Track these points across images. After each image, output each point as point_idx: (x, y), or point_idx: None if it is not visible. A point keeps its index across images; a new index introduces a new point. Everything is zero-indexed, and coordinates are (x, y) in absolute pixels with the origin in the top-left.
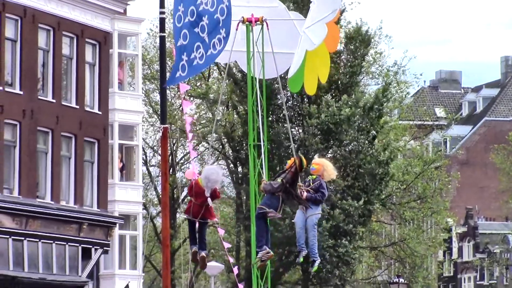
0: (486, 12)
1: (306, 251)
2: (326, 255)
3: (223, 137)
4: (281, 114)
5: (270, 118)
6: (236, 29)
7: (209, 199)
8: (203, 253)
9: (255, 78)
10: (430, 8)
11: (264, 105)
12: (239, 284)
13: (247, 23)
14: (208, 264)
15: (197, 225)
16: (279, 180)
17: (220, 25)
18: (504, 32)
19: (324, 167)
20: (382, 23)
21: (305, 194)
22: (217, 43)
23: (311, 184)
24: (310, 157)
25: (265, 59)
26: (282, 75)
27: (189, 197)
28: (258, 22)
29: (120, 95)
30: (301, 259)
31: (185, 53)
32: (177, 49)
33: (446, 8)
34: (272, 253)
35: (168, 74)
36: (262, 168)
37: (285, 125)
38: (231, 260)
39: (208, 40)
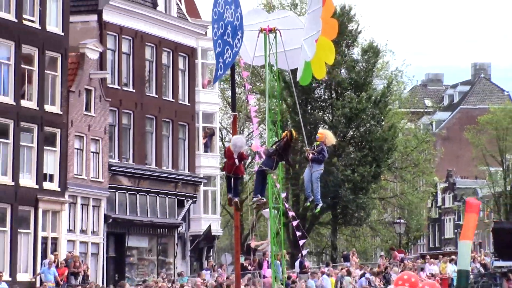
0: (460, 28)
1: (312, 197)
2: (348, 205)
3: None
4: (317, 104)
5: (309, 107)
6: (258, 37)
7: (236, 160)
8: (236, 199)
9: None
10: (422, 27)
11: (278, 92)
12: (293, 222)
13: (264, 32)
14: (266, 210)
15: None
16: (274, 147)
17: (237, 28)
18: (473, 43)
19: (326, 135)
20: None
21: (310, 155)
22: (237, 42)
23: (315, 148)
24: (336, 136)
25: (282, 57)
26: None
27: (225, 159)
28: (272, 31)
29: (203, 92)
30: (308, 204)
31: (220, 57)
32: (216, 55)
33: (433, 26)
34: (265, 199)
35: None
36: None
37: (319, 113)
38: (286, 205)
39: (232, 42)
